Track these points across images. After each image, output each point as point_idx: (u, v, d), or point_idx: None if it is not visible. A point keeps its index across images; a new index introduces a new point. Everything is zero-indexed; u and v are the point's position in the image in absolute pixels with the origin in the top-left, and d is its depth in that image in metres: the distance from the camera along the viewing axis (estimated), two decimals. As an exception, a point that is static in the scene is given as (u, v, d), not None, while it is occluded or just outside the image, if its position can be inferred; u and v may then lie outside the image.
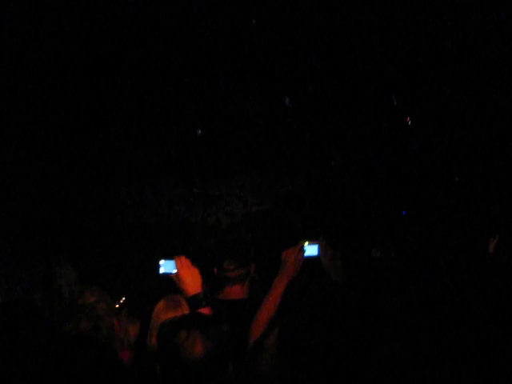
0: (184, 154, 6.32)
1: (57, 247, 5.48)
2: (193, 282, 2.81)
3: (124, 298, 3.85)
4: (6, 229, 5.42)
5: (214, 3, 5.49)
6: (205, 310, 2.75)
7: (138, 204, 6.33)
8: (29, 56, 5.36)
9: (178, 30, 5.62)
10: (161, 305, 3.15)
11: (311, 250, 3.27)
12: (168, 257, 2.87)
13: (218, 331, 2.26)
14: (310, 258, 3.27)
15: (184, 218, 6.31)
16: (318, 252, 3.28)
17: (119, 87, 5.86)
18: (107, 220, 6.19)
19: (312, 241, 3.28)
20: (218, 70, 5.88)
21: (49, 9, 5.15)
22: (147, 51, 5.64)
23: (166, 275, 2.86)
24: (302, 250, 3.26)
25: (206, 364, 2.19)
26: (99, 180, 6.14)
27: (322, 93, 6.06)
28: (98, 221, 6.07)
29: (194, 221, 6.35)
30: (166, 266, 2.85)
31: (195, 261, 2.91)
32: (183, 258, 2.87)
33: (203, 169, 6.34)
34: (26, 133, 5.65)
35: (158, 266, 2.86)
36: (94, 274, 5.25)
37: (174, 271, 2.85)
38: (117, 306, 3.49)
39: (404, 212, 5.82)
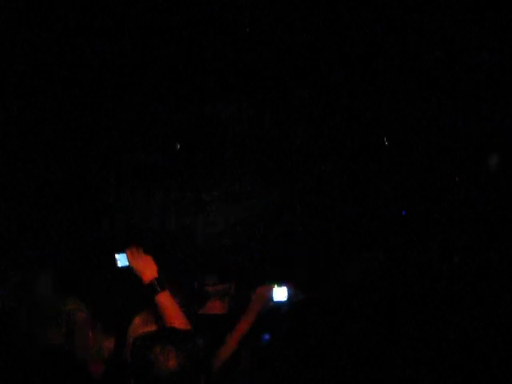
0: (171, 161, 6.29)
1: (41, 253, 5.46)
2: (146, 270, 2.83)
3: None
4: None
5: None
6: (162, 296, 2.79)
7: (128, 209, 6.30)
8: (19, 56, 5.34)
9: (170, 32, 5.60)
10: (138, 320, 3.12)
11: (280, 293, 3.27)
12: (121, 250, 2.89)
13: (191, 345, 2.26)
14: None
15: (176, 224, 6.27)
16: (288, 296, 3.28)
17: (111, 91, 5.83)
18: (97, 225, 6.15)
19: (280, 284, 3.27)
20: (210, 74, 5.85)
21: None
22: (139, 54, 5.62)
23: (124, 268, 2.90)
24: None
25: (180, 378, 2.19)
26: (89, 184, 6.10)
27: (313, 99, 6.04)
28: (87, 226, 6.03)
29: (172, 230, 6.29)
30: (121, 260, 2.89)
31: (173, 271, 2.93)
32: (134, 248, 2.88)
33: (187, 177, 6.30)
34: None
35: (115, 261, 2.89)
36: (79, 283, 5.22)
37: (127, 263, 2.89)
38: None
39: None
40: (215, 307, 3.44)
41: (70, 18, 5.25)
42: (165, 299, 2.80)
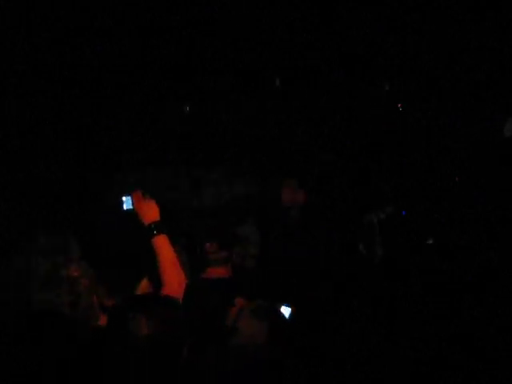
0: (172, 137, 6.33)
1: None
2: (148, 214, 2.94)
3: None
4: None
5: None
6: (158, 239, 2.87)
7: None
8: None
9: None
10: (144, 283, 3.16)
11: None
12: (127, 193, 3.01)
13: (165, 313, 2.26)
14: None
15: (170, 200, 6.30)
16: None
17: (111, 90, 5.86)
18: (91, 203, 6.17)
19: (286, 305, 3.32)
20: (210, 74, 5.90)
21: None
22: (139, 54, 5.64)
23: (129, 210, 3.01)
24: None
25: (153, 345, 2.19)
26: (83, 163, 6.13)
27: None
28: (83, 204, 6.07)
29: (180, 203, 6.34)
30: (127, 202, 3.00)
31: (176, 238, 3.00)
32: (138, 192, 3.02)
33: (191, 151, 6.34)
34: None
35: (122, 203, 2.99)
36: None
37: (131, 206, 3.02)
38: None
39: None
40: (217, 272, 3.51)
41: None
42: (161, 243, 2.88)
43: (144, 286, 3.14)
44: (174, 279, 2.83)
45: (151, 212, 2.96)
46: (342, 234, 5.04)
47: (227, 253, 3.55)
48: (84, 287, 2.89)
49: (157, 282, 3.00)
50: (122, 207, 3.06)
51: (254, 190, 6.08)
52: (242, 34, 5.70)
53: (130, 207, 3.03)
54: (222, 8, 5.51)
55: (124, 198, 3.06)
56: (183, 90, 6.03)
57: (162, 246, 2.89)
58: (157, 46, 5.71)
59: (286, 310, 3.19)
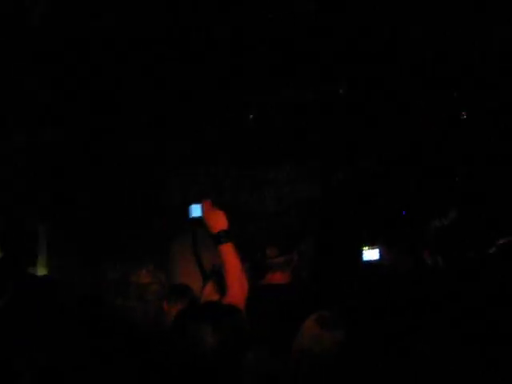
0: (235, 137, 6.39)
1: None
2: (216, 223, 2.97)
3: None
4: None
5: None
6: (225, 247, 2.89)
7: (186, 185, 6.42)
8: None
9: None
10: (209, 287, 3.18)
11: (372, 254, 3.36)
12: (197, 202, 3.06)
13: (230, 321, 2.27)
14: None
15: (232, 200, 6.35)
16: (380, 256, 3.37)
17: (168, 72, 5.94)
18: (155, 201, 6.28)
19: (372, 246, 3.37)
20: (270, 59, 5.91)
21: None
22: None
23: (196, 218, 3.05)
24: None
25: (219, 354, 2.19)
26: (148, 160, 6.24)
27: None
28: (146, 201, 6.18)
29: (241, 204, 6.39)
30: (195, 211, 3.04)
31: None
32: (208, 201, 3.03)
33: (253, 152, 6.38)
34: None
35: (190, 211, 3.05)
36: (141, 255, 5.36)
37: (200, 214, 3.05)
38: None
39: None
40: (276, 278, 3.48)
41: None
42: (227, 250, 2.90)
43: (209, 290, 3.18)
44: (237, 287, 2.85)
45: (220, 221, 2.98)
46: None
47: (287, 258, 3.51)
48: (154, 294, 2.94)
49: (221, 287, 3.04)
50: (190, 215, 3.10)
51: (316, 193, 6.08)
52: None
53: (199, 215, 3.08)
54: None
55: (193, 206, 3.10)
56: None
57: (229, 253, 2.90)
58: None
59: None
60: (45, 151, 5.87)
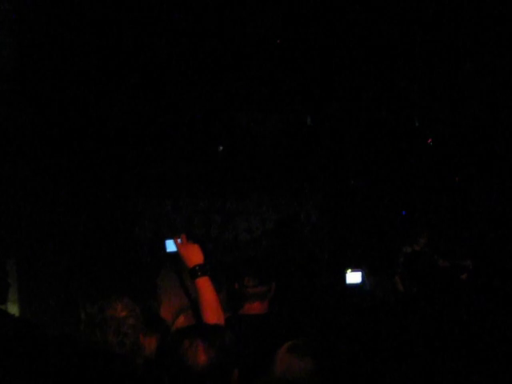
0: (204, 170, 6.40)
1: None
2: (191, 257, 3.03)
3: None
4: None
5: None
6: (202, 280, 2.96)
7: (157, 217, 6.41)
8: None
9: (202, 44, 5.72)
10: (182, 317, 3.18)
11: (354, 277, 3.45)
12: (170, 237, 3.09)
13: (220, 340, 2.32)
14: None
15: (203, 233, 6.36)
16: (362, 279, 3.46)
17: (140, 106, 5.97)
18: (127, 233, 6.25)
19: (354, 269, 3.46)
20: (240, 88, 5.96)
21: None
22: (166, 64, 5.76)
23: (171, 253, 3.11)
24: None
25: (210, 372, 2.25)
26: (119, 192, 6.22)
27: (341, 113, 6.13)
28: (117, 233, 6.14)
29: (212, 236, 6.41)
30: (169, 246, 3.08)
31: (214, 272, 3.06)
32: (182, 236, 3.10)
33: (223, 185, 6.40)
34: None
35: (165, 246, 3.07)
36: (111, 286, 5.30)
37: (175, 249, 3.06)
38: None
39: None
40: (254, 308, 3.46)
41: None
42: (203, 284, 2.97)
43: (180, 322, 3.18)
44: (214, 320, 2.88)
45: (196, 255, 3.04)
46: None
47: (265, 288, 3.50)
48: (130, 327, 2.91)
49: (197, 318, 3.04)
50: (165, 250, 3.12)
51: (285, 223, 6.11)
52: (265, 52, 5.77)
53: (174, 250, 3.09)
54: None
55: (167, 242, 3.12)
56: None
57: (205, 287, 2.98)
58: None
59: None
60: (15, 185, 5.82)
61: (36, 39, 5.33)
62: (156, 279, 3.64)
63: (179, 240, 3.12)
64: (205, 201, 6.43)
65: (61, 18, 5.35)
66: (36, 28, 5.29)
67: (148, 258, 6.14)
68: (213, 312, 2.93)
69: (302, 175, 6.42)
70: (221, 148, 6.24)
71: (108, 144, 6.17)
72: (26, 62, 5.32)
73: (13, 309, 5.15)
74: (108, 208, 6.16)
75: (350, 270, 3.56)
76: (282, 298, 3.59)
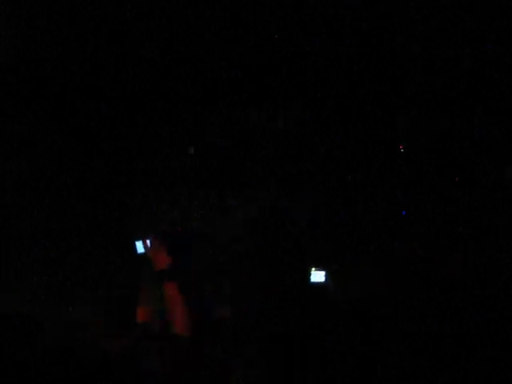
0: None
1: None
2: (159, 260, 3.11)
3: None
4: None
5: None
6: (168, 286, 3.04)
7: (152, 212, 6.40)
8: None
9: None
10: (141, 310, 3.20)
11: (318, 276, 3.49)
12: (140, 238, 3.11)
13: (176, 351, 2.33)
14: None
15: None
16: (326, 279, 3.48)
17: (137, 98, 5.95)
18: (120, 228, 6.25)
19: (318, 268, 3.48)
20: (236, 81, 5.93)
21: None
22: (162, 58, 5.75)
23: (141, 254, 3.23)
24: None
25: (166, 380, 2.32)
26: (114, 187, 6.22)
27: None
28: (110, 228, 6.14)
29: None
30: (139, 247, 3.12)
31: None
32: (152, 237, 3.06)
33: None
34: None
35: (135, 247, 3.10)
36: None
37: (143, 251, 3.08)
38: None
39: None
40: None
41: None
42: (170, 290, 2.98)
43: (142, 312, 3.20)
44: (180, 322, 2.90)
45: (162, 259, 3.06)
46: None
47: None
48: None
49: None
50: (136, 251, 3.13)
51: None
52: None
53: (142, 251, 3.10)
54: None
55: (136, 243, 3.13)
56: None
57: (171, 291, 2.98)
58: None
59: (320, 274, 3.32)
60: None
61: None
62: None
63: (148, 242, 3.12)
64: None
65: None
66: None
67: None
68: (178, 315, 2.97)
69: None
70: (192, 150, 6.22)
71: (106, 137, 6.17)
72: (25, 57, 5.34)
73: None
74: (103, 202, 6.17)
75: (314, 269, 3.57)
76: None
